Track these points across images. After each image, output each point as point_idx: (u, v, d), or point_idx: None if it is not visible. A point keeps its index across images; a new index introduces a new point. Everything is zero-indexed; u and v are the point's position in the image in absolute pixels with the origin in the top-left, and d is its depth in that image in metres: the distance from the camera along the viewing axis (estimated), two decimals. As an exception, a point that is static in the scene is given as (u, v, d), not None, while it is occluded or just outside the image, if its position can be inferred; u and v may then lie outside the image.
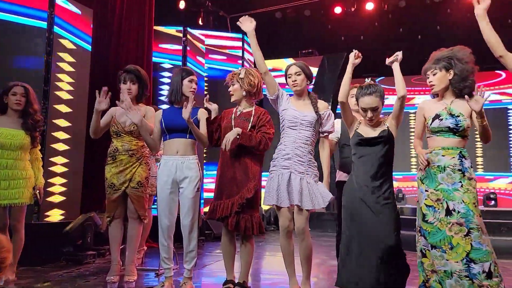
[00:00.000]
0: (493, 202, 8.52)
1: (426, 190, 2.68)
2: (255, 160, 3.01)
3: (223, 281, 3.05)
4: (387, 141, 2.68)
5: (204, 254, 5.04)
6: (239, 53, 7.67)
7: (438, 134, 2.70)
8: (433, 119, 2.70)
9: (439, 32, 8.90)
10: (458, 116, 2.66)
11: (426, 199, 2.66)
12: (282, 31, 9.32)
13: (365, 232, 2.62)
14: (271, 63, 8.43)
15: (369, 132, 2.69)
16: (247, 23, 2.98)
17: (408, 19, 8.92)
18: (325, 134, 2.99)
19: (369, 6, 8.70)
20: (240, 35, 7.74)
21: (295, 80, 2.93)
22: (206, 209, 4.99)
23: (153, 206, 4.38)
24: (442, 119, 2.67)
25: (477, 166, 9.23)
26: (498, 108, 9.28)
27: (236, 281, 3.02)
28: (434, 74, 2.75)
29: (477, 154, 9.24)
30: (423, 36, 9.09)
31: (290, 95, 3.05)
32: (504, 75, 9.24)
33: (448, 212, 2.57)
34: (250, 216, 2.94)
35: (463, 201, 2.56)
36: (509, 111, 9.24)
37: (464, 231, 2.52)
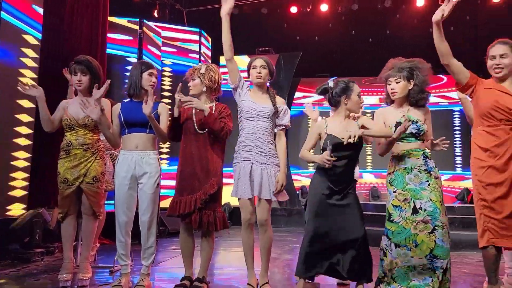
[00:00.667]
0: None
1: (394, 191, 2.81)
2: (216, 155, 3.03)
3: (180, 278, 3.04)
4: (360, 142, 2.85)
5: (159, 250, 4.97)
6: (195, 47, 7.57)
7: (401, 140, 2.83)
8: (395, 127, 2.81)
9: (388, 36, 9.30)
10: (417, 122, 2.83)
11: (393, 199, 2.79)
12: (238, 27, 9.31)
13: (333, 225, 2.79)
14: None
15: (342, 133, 2.77)
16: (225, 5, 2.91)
17: (360, 22, 9.22)
18: (282, 127, 3.07)
19: (324, 8, 8.91)
20: (197, 29, 7.66)
21: (260, 73, 2.99)
22: (162, 205, 4.96)
23: (107, 202, 4.27)
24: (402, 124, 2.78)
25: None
26: (444, 110, 9.88)
27: (195, 277, 3.02)
28: (397, 82, 2.87)
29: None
30: (373, 39, 9.46)
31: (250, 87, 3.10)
32: (445, 79, 9.83)
33: (415, 211, 2.70)
34: (213, 211, 2.96)
35: (431, 199, 2.71)
36: (454, 113, 9.85)
37: (430, 228, 2.66)
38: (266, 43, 9.30)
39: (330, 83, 2.90)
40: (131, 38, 6.13)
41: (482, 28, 8.62)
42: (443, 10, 2.57)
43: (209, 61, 8.05)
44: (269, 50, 9.15)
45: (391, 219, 2.77)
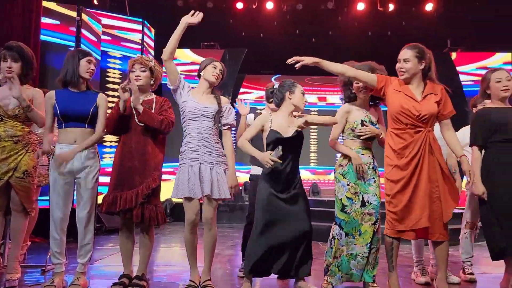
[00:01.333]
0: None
1: (347, 184, 3.02)
2: (158, 149, 2.97)
3: (119, 276, 2.95)
4: (302, 139, 2.98)
5: (95, 248, 4.77)
6: (134, 36, 7.33)
7: (358, 137, 3.05)
8: (361, 125, 3.02)
9: (331, 37, 9.61)
10: (376, 124, 3.09)
11: (347, 192, 3.00)
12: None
13: (282, 221, 2.84)
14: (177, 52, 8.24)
15: (285, 130, 2.90)
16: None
17: (305, 22, 9.42)
18: (227, 127, 3.07)
19: (269, 5, 9.00)
20: (140, 19, 7.42)
21: (219, 75, 3.00)
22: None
23: (40, 198, 4.03)
24: (367, 125, 3.02)
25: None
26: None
27: (134, 274, 2.95)
28: (357, 83, 3.03)
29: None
30: (316, 40, 9.72)
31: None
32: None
33: (363, 204, 2.97)
34: (154, 206, 2.90)
35: (376, 195, 3.00)
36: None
37: (373, 220, 2.95)
38: (211, 38, 9.23)
39: (276, 85, 3.10)
40: (68, 25, 5.80)
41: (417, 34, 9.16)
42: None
43: (152, 52, 7.85)
44: (214, 45, 9.09)
45: (345, 210, 2.98)
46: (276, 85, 3.07)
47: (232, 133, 3.18)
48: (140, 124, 2.93)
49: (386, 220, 2.80)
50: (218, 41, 9.31)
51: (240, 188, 8.89)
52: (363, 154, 3.05)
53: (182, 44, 3.01)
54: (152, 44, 7.97)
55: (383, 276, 3.44)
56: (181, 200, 2.95)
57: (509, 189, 2.81)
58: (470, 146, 3.01)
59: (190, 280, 2.93)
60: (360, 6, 8.93)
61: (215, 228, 2.95)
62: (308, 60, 2.82)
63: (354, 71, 2.87)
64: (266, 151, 2.90)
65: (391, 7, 8.88)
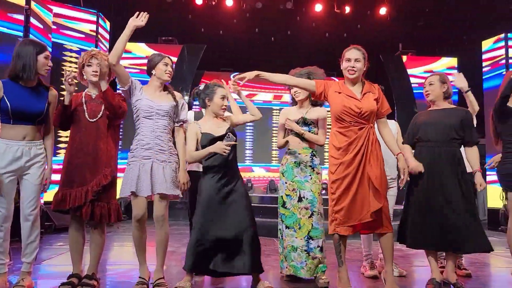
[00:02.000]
0: (324, 191, 9.80)
1: (286, 182, 3.29)
2: (110, 145, 2.90)
3: (68, 275, 2.86)
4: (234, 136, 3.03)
5: (43, 247, 4.59)
6: (86, 27, 7.06)
7: (296, 137, 3.30)
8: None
9: (289, 36, 9.73)
10: (311, 125, 3.32)
11: (286, 189, 3.27)
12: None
13: (220, 219, 2.86)
14: (129, 46, 8.04)
15: (215, 130, 2.96)
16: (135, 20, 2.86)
17: (264, 20, 9.49)
18: (180, 123, 3.06)
19: (229, 3, 8.98)
20: (94, 11, 7.17)
21: (171, 71, 2.98)
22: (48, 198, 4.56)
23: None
24: (300, 125, 3.28)
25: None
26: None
27: (84, 274, 2.86)
28: (293, 89, 3.30)
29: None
30: (275, 39, 9.82)
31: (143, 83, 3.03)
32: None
33: (300, 199, 3.22)
34: (106, 203, 2.83)
35: (311, 190, 3.23)
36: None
37: (309, 213, 3.19)
38: (169, 33, 9.09)
39: (201, 86, 3.12)
40: (16, 14, 5.50)
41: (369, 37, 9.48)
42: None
43: (107, 45, 7.61)
44: (172, 40, 8.96)
45: (285, 205, 3.27)
46: (201, 87, 3.10)
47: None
48: (91, 120, 2.86)
49: (332, 218, 2.84)
50: (176, 36, 9.18)
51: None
52: (300, 153, 3.30)
53: (137, 38, 2.97)
54: (107, 36, 7.72)
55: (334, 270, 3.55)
56: None
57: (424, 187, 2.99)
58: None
59: (139, 277, 2.88)
60: (318, 8, 9.11)
61: (167, 226, 2.92)
62: (250, 75, 2.90)
63: (294, 80, 3.04)
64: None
65: (347, 9, 9.13)
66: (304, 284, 3.18)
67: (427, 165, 2.97)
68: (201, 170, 3.46)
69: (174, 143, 3.03)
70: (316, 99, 3.07)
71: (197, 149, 2.98)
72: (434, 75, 3.25)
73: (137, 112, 2.92)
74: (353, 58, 2.87)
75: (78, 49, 6.77)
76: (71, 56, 6.72)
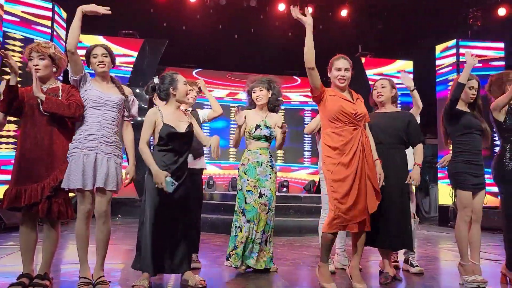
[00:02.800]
0: (285, 188, 9.93)
1: (248, 180, 3.48)
2: (66, 138, 2.80)
3: (17, 276, 2.73)
4: (193, 133, 3.01)
5: (-8, 247, 4.37)
6: (42, 18, 6.77)
7: (257, 139, 3.55)
8: (255, 128, 3.53)
9: (253, 34, 9.74)
10: (271, 128, 3.58)
11: (247, 186, 3.47)
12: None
13: (170, 215, 2.85)
14: (85, 39, 7.78)
15: (178, 124, 2.93)
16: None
17: (228, 18, 9.45)
18: (130, 118, 3.01)
19: (193, -2, 8.88)
20: (50, 3, 6.87)
21: (102, 61, 2.86)
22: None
23: None
24: (261, 129, 3.54)
25: (278, 158, 10.57)
26: (295, 108, 10.80)
27: (35, 274, 2.75)
28: (261, 91, 3.59)
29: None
30: (239, 36, 9.80)
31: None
32: (299, 80, 10.76)
33: (260, 196, 3.45)
34: (63, 200, 2.73)
35: (270, 189, 3.50)
36: (305, 112, 10.84)
37: (266, 210, 3.46)
38: (130, 26, 8.86)
39: (156, 79, 3.04)
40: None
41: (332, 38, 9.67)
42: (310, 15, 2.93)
43: (64, 37, 7.32)
44: (133, 34, 8.74)
45: (246, 201, 3.45)
46: (156, 80, 3.03)
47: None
48: (45, 113, 2.73)
49: (337, 216, 2.85)
50: (137, 30, 8.96)
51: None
52: (261, 154, 3.54)
53: (96, 30, 2.88)
54: (64, 25, 7.42)
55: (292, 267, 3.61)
56: None
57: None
58: None
59: (81, 277, 2.76)
60: (281, 7, 9.18)
61: (109, 222, 2.85)
62: None
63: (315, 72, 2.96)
64: (157, 144, 2.90)
65: (310, 9, 9.24)
66: (258, 274, 3.23)
67: (383, 166, 3.09)
68: (197, 167, 3.59)
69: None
70: (316, 99, 3.07)
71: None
72: (384, 79, 3.47)
73: (85, 102, 2.83)
74: (343, 67, 3.01)
75: (28, 38, 6.45)
76: (22, 47, 6.41)
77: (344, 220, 2.86)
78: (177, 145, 2.91)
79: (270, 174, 3.52)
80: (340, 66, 3.01)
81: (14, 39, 6.34)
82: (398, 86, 3.50)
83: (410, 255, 3.64)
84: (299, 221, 6.22)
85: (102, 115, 2.81)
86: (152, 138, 2.95)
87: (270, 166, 3.54)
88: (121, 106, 2.89)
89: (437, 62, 8.65)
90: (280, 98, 3.70)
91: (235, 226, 3.47)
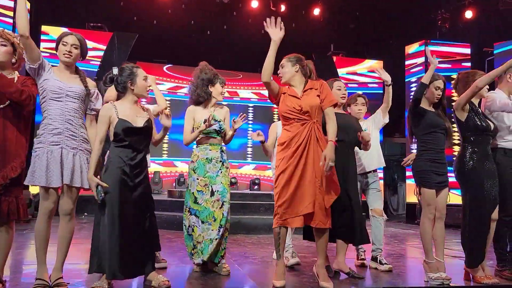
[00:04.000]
0: (256, 186, 9.89)
1: (197, 178, 3.38)
2: (19, 133, 2.65)
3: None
4: (151, 129, 2.91)
5: None
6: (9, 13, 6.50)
7: (206, 134, 3.44)
8: (204, 123, 3.36)
9: (225, 31, 9.65)
10: (220, 121, 3.48)
11: (197, 185, 3.36)
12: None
13: (131, 214, 2.72)
14: (51, 30, 7.50)
15: (134, 119, 2.81)
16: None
17: (200, 13, 9.33)
18: (93, 112, 2.87)
19: (164, -8, 8.71)
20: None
21: (70, 52, 2.72)
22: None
23: None
24: (211, 123, 3.38)
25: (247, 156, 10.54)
26: (264, 106, 10.78)
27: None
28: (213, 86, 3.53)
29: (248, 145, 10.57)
30: (211, 32, 9.69)
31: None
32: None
33: (212, 194, 3.35)
34: (15, 198, 2.58)
35: (221, 183, 3.39)
36: (274, 110, 10.85)
37: (220, 204, 3.35)
38: (98, 19, 8.61)
39: (115, 70, 2.88)
40: None
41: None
42: (281, 30, 2.91)
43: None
44: (101, 27, 8.49)
45: (197, 201, 3.36)
46: (116, 71, 2.87)
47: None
48: None
49: (274, 212, 2.92)
50: (106, 23, 8.71)
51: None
52: (211, 150, 3.44)
53: (62, 21, 2.73)
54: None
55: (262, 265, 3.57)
56: None
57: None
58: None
59: (37, 279, 2.61)
60: (254, 4, 9.15)
61: (73, 221, 2.72)
62: None
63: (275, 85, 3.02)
64: (113, 140, 2.77)
65: (283, 7, 9.26)
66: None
67: (341, 164, 3.12)
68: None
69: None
70: (277, 103, 3.09)
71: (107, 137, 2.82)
72: (341, 81, 3.63)
73: (44, 93, 2.68)
74: (280, 65, 3.07)
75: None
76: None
77: (282, 214, 2.86)
78: (134, 140, 2.78)
79: (220, 169, 3.41)
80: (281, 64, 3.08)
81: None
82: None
83: (378, 252, 3.68)
84: (269, 219, 6.16)
85: (64, 106, 2.66)
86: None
87: (220, 161, 3.43)
88: (83, 98, 2.75)
89: (407, 62, 8.81)
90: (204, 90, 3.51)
91: (185, 226, 3.39)
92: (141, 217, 2.80)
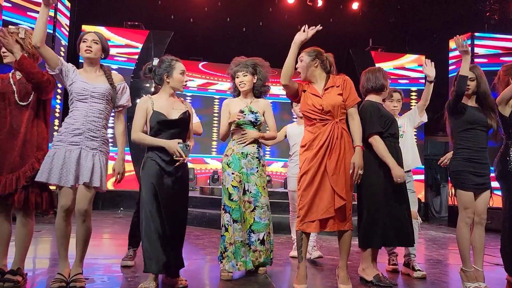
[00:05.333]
0: (268, 184, 9.66)
1: (232, 173, 3.16)
2: (41, 128, 2.70)
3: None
4: (188, 122, 2.86)
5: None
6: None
7: (242, 126, 3.24)
8: (240, 112, 3.21)
9: (261, 27, 9.57)
10: (257, 113, 3.26)
11: (232, 180, 3.14)
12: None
13: (168, 209, 2.68)
14: (88, 30, 7.69)
15: (169, 111, 2.79)
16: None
17: (236, 10, 9.29)
18: (120, 108, 2.85)
19: (201, -10, 8.74)
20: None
21: (90, 47, 2.72)
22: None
23: None
24: (246, 114, 3.22)
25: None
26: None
27: (8, 269, 2.64)
28: (244, 76, 3.27)
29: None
30: (247, 29, 9.64)
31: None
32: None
33: (244, 192, 3.15)
34: (40, 190, 2.61)
35: (256, 184, 3.18)
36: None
37: (252, 207, 3.15)
38: (136, 18, 8.77)
39: (155, 61, 2.88)
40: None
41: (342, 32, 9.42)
42: (307, 34, 2.77)
43: (67, 30, 7.26)
44: (138, 25, 8.64)
45: (231, 198, 3.13)
46: (155, 62, 2.87)
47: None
48: (21, 103, 2.66)
49: (297, 214, 2.82)
50: (144, 22, 8.86)
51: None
52: (246, 144, 3.22)
53: (103, 22, 2.74)
54: (66, 21, 7.36)
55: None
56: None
57: (385, 182, 2.95)
58: (368, 136, 2.99)
59: (58, 273, 2.64)
60: (290, 0, 8.99)
61: (89, 220, 2.70)
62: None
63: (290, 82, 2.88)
64: (150, 135, 2.75)
65: (319, 2, 9.04)
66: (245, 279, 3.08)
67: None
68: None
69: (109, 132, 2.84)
70: (293, 100, 3.03)
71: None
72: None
73: (71, 95, 2.70)
74: (299, 58, 2.92)
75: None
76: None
77: (302, 217, 2.74)
78: (170, 133, 2.75)
79: (257, 167, 3.21)
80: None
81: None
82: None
83: (411, 258, 3.44)
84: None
85: (88, 107, 2.67)
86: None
87: (257, 158, 3.22)
88: (108, 97, 2.74)
89: (451, 54, 8.32)
90: (267, 84, 3.40)
91: (222, 225, 3.18)
92: (175, 214, 2.73)
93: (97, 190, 2.67)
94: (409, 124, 3.66)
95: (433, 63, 3.40)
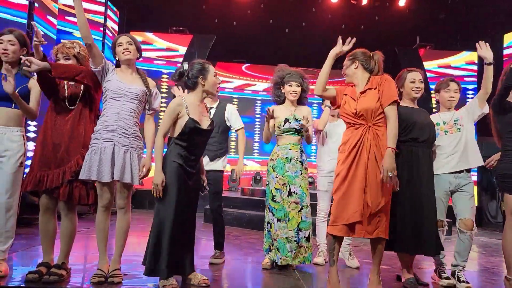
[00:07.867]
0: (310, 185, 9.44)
1: (276, 177, 3.44)
2: (88, 126, 2.85)
3: (37, 264, 2.80)
4: (213, 130, 2.94)
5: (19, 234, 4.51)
6: (100, 19, 7.09)
7: (287, 133, 3.50)
8: (284, 122, 3.49)
9: (304, 28, 9.50)
10: (301, 120, 3.48)
11: (276, 183, 3.43)
12: (152, 2, 8.93)
13: (190, 214, 2.79)
14: (136, 36, 8.01)
15: (201, 119, 2.81)
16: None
17: (278, 12, 9.29)
18: (152, 111, 2.96)
19: (244, -7, 8.83)
20: (103, 1, 7.16)
21: (127, 48, 2.84)
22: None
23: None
24: (291, 122, 3.48)
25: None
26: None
27: (54, 263, 2.80)
28: (298, 86, 3.55)
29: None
30: (289, 30, 9.61)
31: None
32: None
33: (290, 194, 3.41)
34: (84, 184, 2.76)
35: (301, 186, 3.44)
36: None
37: (298, 208, 3.40)
38: (181, 23, 9.02)
39: (185, 65, 2.84)
40: (21, 0, 5.52)
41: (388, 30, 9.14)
42: (341, 47, 2.78)
43: (116, 35, 7.60)
44: (183, 30, 8.88)
45: (274, 199, 3.43)
46: (186, 66, 2.84)
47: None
48: (70, 107, 2.84)
49: (331, 217, 2.80)
50: (188, 26, 9.10)
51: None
52: (290, 150, 3.48)
53: (149, 28, 2.87)
54: (116, 27, 7.71)
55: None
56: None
57: (408, 186, 2.84)
58: None
59: (98, 269, 2.76)
60: (334, -1, 8.87)
61: (129, 214, 2.83)
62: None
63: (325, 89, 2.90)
64: (176, 137, 2.76)
65: (364, 0, 8.83)
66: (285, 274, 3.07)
67: (413, 165, 2.91)
68: (220, 168, 3.61)
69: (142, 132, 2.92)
70: (337, 107, 3.00)
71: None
72: (419, 72, 3.13)
73: (106, 93, 2.82)
74: (343, 63, 2.94)
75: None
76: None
77: (332, 220, 2.71)
78: (197, 142, 2.80)
79: (300, 170, 3.45)
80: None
81: (71, 36, 6.68)
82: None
83: (458, 268, 3.15)
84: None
85: (121, 106, 2.79)
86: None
87: (300, 162, 3.46)
88: (141, 98, 2.85)
89: (505, 52, 7.82)
90: (307, 93, 3.70)
91: (266, 222, 3.50)
92: (193, 218, 2.83)
93: (133, 186, 2.79)
94: (467, 118, 3.25)
95: (487, 44, 3.06)
